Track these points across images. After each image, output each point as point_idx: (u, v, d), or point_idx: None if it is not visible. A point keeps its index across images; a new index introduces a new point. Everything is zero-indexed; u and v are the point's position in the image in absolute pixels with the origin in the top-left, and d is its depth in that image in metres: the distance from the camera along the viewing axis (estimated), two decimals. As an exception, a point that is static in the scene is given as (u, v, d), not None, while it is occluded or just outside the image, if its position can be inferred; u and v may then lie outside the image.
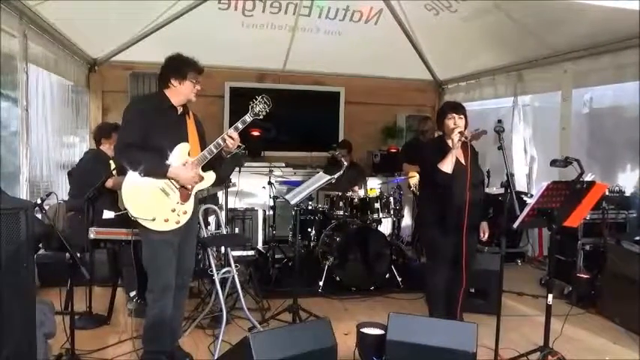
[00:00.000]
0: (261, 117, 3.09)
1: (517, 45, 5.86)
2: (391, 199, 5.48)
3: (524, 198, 5.68)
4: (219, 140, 3.02)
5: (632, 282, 3.96)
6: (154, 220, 2.92)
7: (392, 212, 5.49)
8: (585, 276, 4.59)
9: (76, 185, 4.39)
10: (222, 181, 4.93)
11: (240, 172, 5.19)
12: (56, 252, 4.41)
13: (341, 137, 7.43)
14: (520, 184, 6.52)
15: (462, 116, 3.50)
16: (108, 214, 3.98)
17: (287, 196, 4.08)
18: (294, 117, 7.31)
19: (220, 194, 5.41)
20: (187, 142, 3.06)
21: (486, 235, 3.66)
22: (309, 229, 5.50)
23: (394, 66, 7.46)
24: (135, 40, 6.29)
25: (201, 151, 3.06)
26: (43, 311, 2.87)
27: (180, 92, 3.03)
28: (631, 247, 4.17)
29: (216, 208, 4.41)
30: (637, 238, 4.20)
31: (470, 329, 2.87)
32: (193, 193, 3.07)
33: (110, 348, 3.48)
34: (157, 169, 2.94)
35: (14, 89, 4.38)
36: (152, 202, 2.93)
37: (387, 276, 5.05)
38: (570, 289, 4.72)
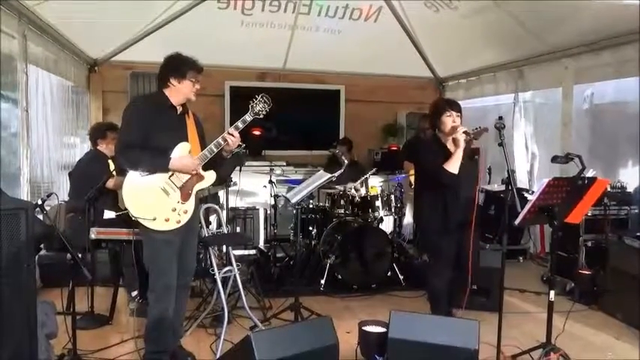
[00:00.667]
0: (261, 116, 3.09)
1: (517, 42, 5.85)
2: (392, 197, 5.48)
3: (526, 195, 5.67)
4: (220, 139, 3.02)
5: (634, 278, 3.95)
6: (154, 219, 2.92)
7: (393, 210, 5.48)
8: (587, 272, 4.58)
9: (76, 186, 4.39)
10: (223, 181, 4.93)
11: (241, 171, 5.19)
12: (57, 252, 4.41)
13: (341, 135, 7.43)
14: (521, 181, 6.51)
15: (459, 114, 3.44)
16: (109, 214, 3.99)
17: (288, 195, 4.08)
18: (294, 116, 7.31)
19: (221, 193, 5.41)
20: (187, 141, 3.05)
21: None
22: (311, 228, 5.50)
23: (394, 64, 7.44)
24: (134, 40, 6.29)
25: (202, 150, 3.06)
26: (44, 312, 2.88)
27: (179, 91, 3.03)
28: (633, 243, 4.16)
29: (217, 207, 4.41)
30: (639, 234, 4.19)
31: (472, 326, 2.87)
32: (194, 192, 3.07)
33: (112, 348, 3.49)
34: (159, 165, 2.94)
35: (14, 90, 4.38)
36: (153, 201, 2.93)
37: (389, 274, 5.04)
38: (572, 285, 4.71)
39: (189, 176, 3.03)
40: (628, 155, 5.39)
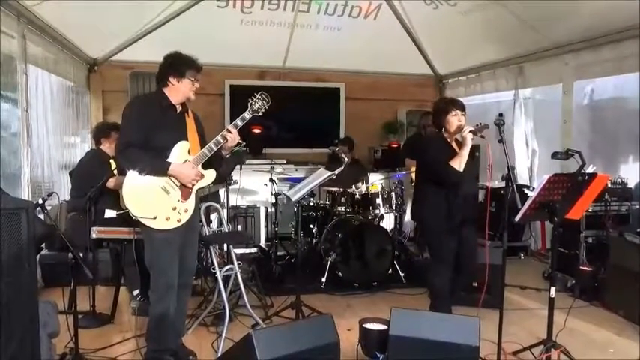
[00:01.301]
0: (260, 114, 3.09)
1: (517, 38, 5.84)
2: (393, 194, 5.48)
3: (526, 191, 5.66)
4: (219, 138, 3.02)
5: (634, 274, 3.95)
6: (155, 218, 2.92)
7: (394, 208, 5.48)
8: (588, 268, 4.58)
9: (77, 185, 4.40)
10: (224, 179, 4.93)
11: (241, 169, 5.19)
12: (59, 252, 4.44)
13: (342, 133, 7.44)
14: (522, 178, 6.51)
15: (464, 113, 3.47)
16: (110, 214, 4.00)
17: (288, 193, 4.09)
18: (294, 114, 7.31)
19: (222, 192, 5.41)
20: (187, 140, 3.06)
21: None
22: (311, 226, 5.50)
23: (394, 61, 7.45)
24: (134, 39, 6.29)
25: (201, 149, 3.06)
26: (46, 311, 2.88)
27: (179, 90, 3.03)
28: (633, 239, 4.15)
29: (217, 206, 4.41)
30: (639, 230, 4.19)
31: (473, 323, 2.87)
32: (194, 191, 3.07)
33: (114, 347, 3.50)
34: (158, 168, 2.94)
35: (14, 90, 4.39)
36: (153, 200, 2.94)
37: (390, 271, 5.05)
38: (573, 281, 4.71)
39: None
40: (628, 151, 5.38)
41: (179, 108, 3.09)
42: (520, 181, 6.30)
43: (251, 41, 6.49)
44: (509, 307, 4.19)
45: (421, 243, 5.86)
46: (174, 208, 2.98)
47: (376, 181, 6.26)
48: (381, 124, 7.93)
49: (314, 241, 5.47)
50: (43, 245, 4.42)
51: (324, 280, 4.89)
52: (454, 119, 3.44)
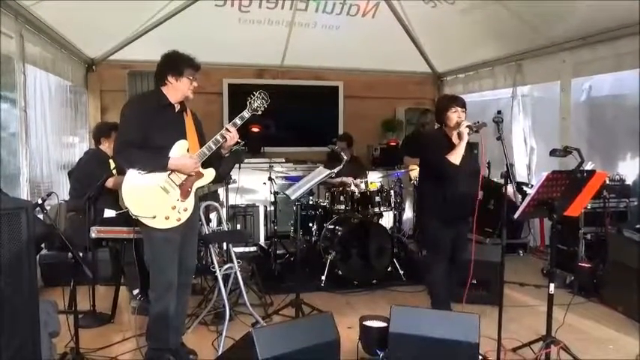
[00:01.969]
0: (259, 112, 3.09)
1: (515, 36, 5.85)
2: (392, 192, 5.48)
3: (525, 188, 5.68)
4: (218, 136, 3.03)
5: (633, 270, 3.96)
6: (154, 218, 2.92)
7: (393, 205, 5.48)
8: (587, 265, 4.59)
9: (76, 185, 4.40)
10: (223, 178, 4.93)
11: (240, 168, 5.20)
12: (58, 252, 4.42)
13: (340, 131, 7.42)
14: (520, 175, 6.52)
15: (464, 109, 3.57)
16: (109, 213, 3.99)
17: (287, 192, 4.09)
18: (293, 112, 7.31)
19: (221, 191, 5.41)
20: (186, 139, 3.06)
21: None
22: (311, 224, 5.51)
23: (392, 59, 7.44)
24: (132, 38, 6.28)
25: (200, 148, 3.06)
26: (46, 311, 2.88)
27: (177, 89, 3.02)
28: (632, 236, 4.17)
29: (217, 204, 4.41)
30: (638, 226, 4.20)
31: (472, 320, 2.88)
32: (194, 190, 3.07)
33: (114, 346, 3.50)
34: (157, 164, 2.94)
35: (12, 90, 4.38)
36: (152, 200, 2.94)
37: (389, 269, 5.06)
38: (572, 278, 4.73)
39: (188, 174, 3.03)
40: (627, 148, 5.38)
41: (177, 107, 3.09)
42: (519, 179, 6.30)
43: (249, 40, 6.48)
44: (509, 304, 4.21)
45: (420, 240, 5.87)
46: (174, 207, 2.98)
47: (375, 179, 6.26)
48: (379, 122, 7.92)
49: (313, 239, 5.48)
50: (43, 245, 4.41)
51: (323, 278, 4.89)
52: (454, 115, 3.54)
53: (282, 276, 5.07)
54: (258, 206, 6.41)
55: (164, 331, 3.08)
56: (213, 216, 5.07)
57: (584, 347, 3.44)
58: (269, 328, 3.11)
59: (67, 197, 4.65)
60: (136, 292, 4.14)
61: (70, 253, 2.78)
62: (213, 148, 3.03)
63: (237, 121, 3.06)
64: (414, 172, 5.67)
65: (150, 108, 3.00)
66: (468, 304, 3.73)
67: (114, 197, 4.13)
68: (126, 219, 3.25)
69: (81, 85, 6.47)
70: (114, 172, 4.13)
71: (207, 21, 6.03)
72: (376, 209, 5.30)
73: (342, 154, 4.46)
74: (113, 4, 5.05)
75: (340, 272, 4.93)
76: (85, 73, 6.59)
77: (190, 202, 3.05)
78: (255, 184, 6.50)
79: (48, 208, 2.96)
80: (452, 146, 3.52)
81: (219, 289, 3.68)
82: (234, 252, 3.95)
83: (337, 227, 5.14)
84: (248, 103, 3.07)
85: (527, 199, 3.00)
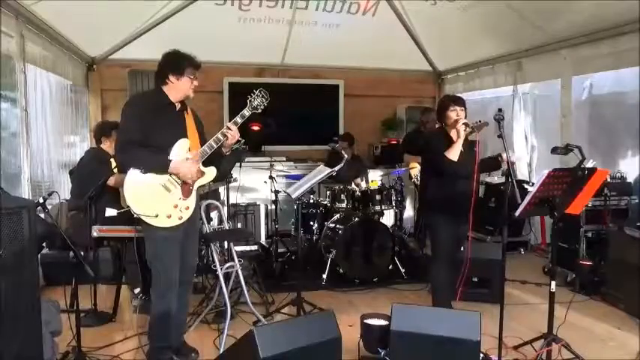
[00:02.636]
0: (259, 110, 3.09)
1: (516, 33, 5.84)
2: (392, 190, 5.48)
3: (526, 186, 5.68)
4: (219, 135, 3.03)
5: (634, 268, 3.96)
6: (156, 216, 2.92)
7: (393, 204, 5.48)
8: (588, 263, 4.59)
9: (77, 184, 4.40)
10: (224, 177, 4.93)
11: (241, 167, 5.20)
12: (60, 251, 4.43)
13: (341, 130, 7.43)
14: (521, 173, 6.51)
15: (463, 108, 3.64)
16: (110, 212, 3.99)
17: (288, 190, 4.09)
18: (293, 111, 7.30)
19: (222, 190, 5.41)
20: (186, 138, 3.06)
21: None
22: (312, 223, 5.51)
23: (393, 57, 7.43)
24: (132, 37, 6.28)
25: (201, 146, 3.06)
26: (48, 310, 2.89)
27: (178, 88, 3.02)
28: (633, 233, 4.16)
29: (218, 203, 4.41)
30: (639, 223, 4.20)
31: (473, 318, 2.88)
32: (195, 188, 3.08)
33: (116, 345, 3.51)
34: (158, 166, 2.94)
35: (13, 90, 4.38)
36: (154, 198, 2.94)
37: (390, 267, 5.06)
38: (573, 276, 4.73)
39: (189, 172, 3.03)
40: (627, 145, 5.39)
41: (178, 106, 3.09)
42: (519, 177, 6.30)
43: (249, 38, 6.47)
44: (510, 301, 4.21)
45: (421, 238, 5.88)
46: (176, 206, 2.99)
47: (376, 177, 6.27)
48: (380, 121, 7.92)
49: (314, 238, 5.48)
50: (44, 244, 4.42)
51: (324, 276, 4.90)
52: (452, 114, 3.62)
53: (283, 274, 5.07)
54: (259, 205, 6.42)
55: (166, 329, 3.08)
56: (214, 215, 5.07)
57: (586, 345, 3.44)
58: (270, 326, 3.11)
59: (68, 196, 4.65)
60: (137, 290, 4.15)
61: (71, 252, 2.78)
62: (215, 146, 3.03)
63: (238, 119, 3.06)
64: (415, 170, 5.67)
65: (151, 107, 3.00)
66: (469, 301, 3.74)
67: (115, 196, 4.14)
68: (127, 218, 3.26)
69: (81, 84, 6.47)
70: (115, 171, 4.13)
71: (208, 20, 6.03)
72: (377, 207, 5.30)
73: (343, 152, 4.46)
74: (113, 4, 5.05)
75: (341, 270, 4.93)
76: (85, 72, 6.59)
77: (192, 200, 3.06)
78: (255, 183, 6.50)
79: (49, 207, 2.96)
80: (452, 144, 3.58)
81: (221, 287, 3.68)
82: (236, 251, 3.96)
83: (338, 226, 5.14)
84: (248, 101, 3.07)
85: (528, 196, 3.00)
